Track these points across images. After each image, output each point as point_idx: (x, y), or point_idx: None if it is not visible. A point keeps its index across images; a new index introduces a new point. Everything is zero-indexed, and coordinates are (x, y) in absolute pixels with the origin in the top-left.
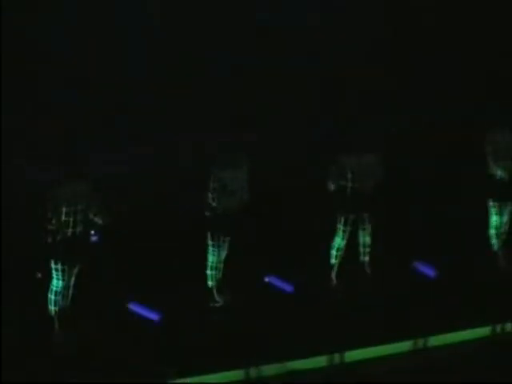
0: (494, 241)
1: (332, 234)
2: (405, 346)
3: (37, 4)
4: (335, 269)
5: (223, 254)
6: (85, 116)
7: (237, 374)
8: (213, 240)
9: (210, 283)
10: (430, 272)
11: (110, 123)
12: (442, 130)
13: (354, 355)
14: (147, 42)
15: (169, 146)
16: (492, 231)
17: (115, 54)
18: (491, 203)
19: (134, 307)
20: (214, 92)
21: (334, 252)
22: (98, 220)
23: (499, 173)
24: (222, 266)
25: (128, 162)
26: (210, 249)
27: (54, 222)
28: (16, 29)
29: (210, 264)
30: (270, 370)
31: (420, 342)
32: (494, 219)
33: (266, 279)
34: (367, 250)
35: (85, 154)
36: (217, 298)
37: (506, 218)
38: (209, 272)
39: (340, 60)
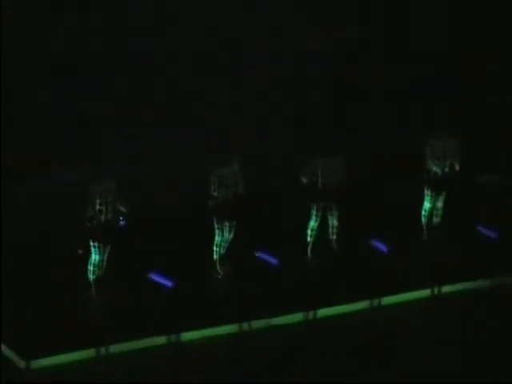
0: (425, 221)
1: (307, 218)
2: (363, 304)
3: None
4: (310, 245)
5: (226, 235)
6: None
7: (232, 327)
8: (217, 224)
9: (214, 257)
10: (383, 247)
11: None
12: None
13: (324, 312)
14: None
15: (180, 148)
16: (425, 213)
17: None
18: (426, 192)
19: (153, 276)
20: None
21: (308, 232)
22: (123, 209)
23: (434, 169)
24: (224, 244)
25: (146, 161)
26: (216, 231)
27: (90, 211)
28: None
29: (214, 242)
30: (258, 324)
31: (375, 302)
32: (428, 205)
33: (257, 254)
34: (334, 230)
35: (108, 155)
36: (219, 268)
37: (440, 204)
38: (214, 248)
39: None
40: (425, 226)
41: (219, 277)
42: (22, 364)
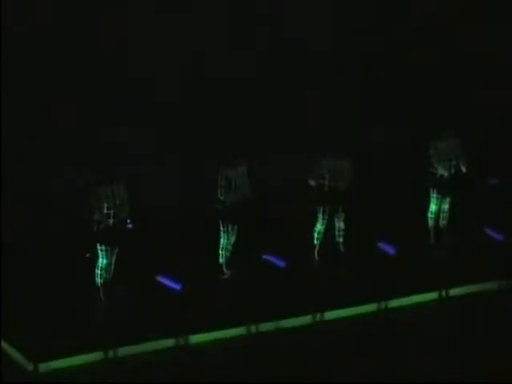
0: (431, 223)
1: (314, 221)
2: (370, 306)
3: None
4: (317, 248)
5: (232, 238)
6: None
7: (240, 330)
8: (223, 227)
9: (220, 260)
10: (390, 250)
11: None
12: (396, 140)
13: (331, 315)
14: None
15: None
16: (431, 216)
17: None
18: (432, 194)
19: (161, 279)
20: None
21: (315, 235)
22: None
23: (440, 171)
24: (230, 247)
25: (152, 163)
26: (221, 234)
27: (98, 214)
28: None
29: (220, 245)
30: (266, 326)
31: (382, 304)
32: (434, 208)
33: (264, 257)
34: (341, 233)
35: (116, 157)
36: (225, 271)
37: (446, 207)
38: (220, 251)
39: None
40: (431, 229)
41: (225, 276)
42: (30, 367)
